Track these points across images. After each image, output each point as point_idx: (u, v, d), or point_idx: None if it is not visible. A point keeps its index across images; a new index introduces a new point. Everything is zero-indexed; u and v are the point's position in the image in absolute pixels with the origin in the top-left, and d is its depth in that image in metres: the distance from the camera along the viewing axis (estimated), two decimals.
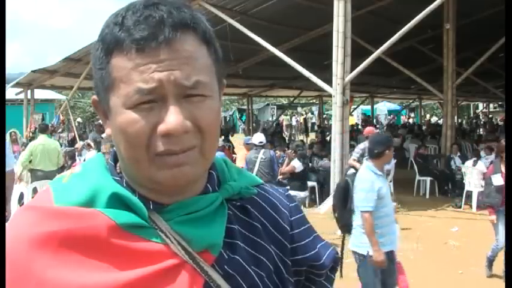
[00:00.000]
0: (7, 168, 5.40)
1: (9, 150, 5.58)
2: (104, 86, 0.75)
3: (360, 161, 8.23)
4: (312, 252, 0.92)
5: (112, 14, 0.76)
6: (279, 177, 9.33)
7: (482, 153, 11.72)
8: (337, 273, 1.03)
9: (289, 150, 10.11)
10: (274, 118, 30.63)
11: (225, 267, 0.78)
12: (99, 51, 0.75)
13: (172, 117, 0.71)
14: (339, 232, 5.35)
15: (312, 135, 23.54)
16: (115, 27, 0.73)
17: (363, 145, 8.34)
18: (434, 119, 34.25)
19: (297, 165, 8.10)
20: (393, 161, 11.63)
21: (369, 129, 9.16)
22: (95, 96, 0.81)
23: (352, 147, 11.99)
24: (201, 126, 0.74)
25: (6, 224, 0.78)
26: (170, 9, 0.73)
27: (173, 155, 0.73)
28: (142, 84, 0.71)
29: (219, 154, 0.96)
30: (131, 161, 0.75)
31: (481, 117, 36.08)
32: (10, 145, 6.02)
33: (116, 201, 0.76)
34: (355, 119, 31.49)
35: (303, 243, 0.91)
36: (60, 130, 18.00)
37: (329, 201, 8.20)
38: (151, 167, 0.74)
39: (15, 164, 5.72)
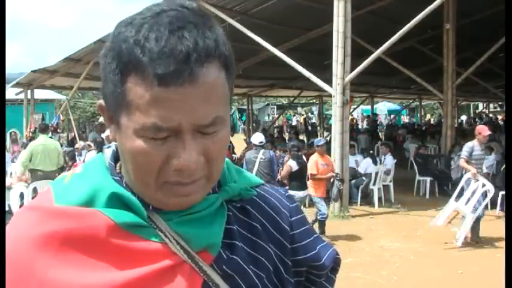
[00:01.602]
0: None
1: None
2: (116, 102, 0.72)
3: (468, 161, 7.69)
4: (312, 253, 0.92)
5: (129, 24, 0.71)
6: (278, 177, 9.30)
7: None
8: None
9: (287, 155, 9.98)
10: (271, 118, 30.61)
11: (224, 267, 0.79)
12: (112, 64, 0.71)
13: (188, 155, 0.71)
14: None
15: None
16: (136, 48, 0.68)
17: (471, 143, 7.86)
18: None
19: (292, 164, 8.10)
20: (393, 161, 11.68)
21: (481, 128, 8.28)
22: (102, 102, 0.78)
23: (352, 147, 12.00)
24: (211, 157, 0.74)
25: (7, 224, 0.78)
26: (196, 39, 0.69)
27: (182, 185, 0.73)
28: (160, 122, 0.69)
29: None
30: (138, 182, 0.75)
31: (482, 117, 36.01)
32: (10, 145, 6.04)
33: (116, 201, 0.76)
34: (355, 119, 31.52)
35: (303, 243, 0.91)
36: (60, 130, 18.02)
37: (448, 210, 7.73)
38: (157, 192, 0.74)
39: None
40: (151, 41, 0.68)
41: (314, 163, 8.00)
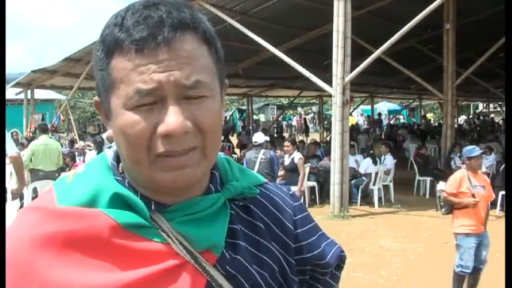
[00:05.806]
0: (12, 153, 5.42)
1: (9, 138, 5.63)
2: (105, 87, 0.75)
3: None
4: (317, 251, 0.92)
5: (112, 15, 0.76)
6: (279, 178, 9.30)
7: None
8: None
9: (287, 142, 9.91)
10: (266, 118, 30.56)
11: (227, 267, 0.78)
12: (100, 52, 0.75)
13: (172, 118, 0.71)
14: None
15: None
16: (115, 28, 0.73)
17: None
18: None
19: (299, 156, 7.99)
20: (393, 161, 11.68)
21: None
22: (96, 98, 0.80)
23: (352, 147, 11.99)
24: (202, 126, 0.74)
25: (9, 224, 0.78)
26: (170, 10, 0.73)
27: (174, 157, 0.73)
28: (142, 85, 0.71)
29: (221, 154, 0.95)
30: (132, 162, 0.75)
31: (481, 117, 35.98)
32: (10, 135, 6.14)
33: (118, 201, 0.76)
34: (355, 118, 31.54)
35: (307, 242, 0.91)
36: (60, 130, 18.01)
37: None
38: (151, 168, 0.74)
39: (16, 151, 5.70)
40: (127, 18, 0.72)
41: (456, 181, 5.26)
